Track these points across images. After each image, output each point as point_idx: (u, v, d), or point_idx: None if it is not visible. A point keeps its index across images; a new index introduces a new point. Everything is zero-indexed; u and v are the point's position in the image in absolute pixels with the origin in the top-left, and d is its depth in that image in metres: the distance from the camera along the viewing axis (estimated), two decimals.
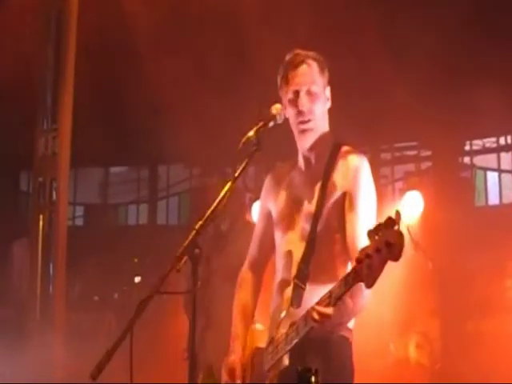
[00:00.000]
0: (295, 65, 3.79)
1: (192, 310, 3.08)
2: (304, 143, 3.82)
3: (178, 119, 10.86)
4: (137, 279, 11.93)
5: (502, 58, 9.04)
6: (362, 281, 3.03)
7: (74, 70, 8.52)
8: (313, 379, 2.89)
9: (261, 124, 3.59)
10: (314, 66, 3.78)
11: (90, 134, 10.75)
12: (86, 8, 8.92)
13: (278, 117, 3.66)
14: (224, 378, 3.79)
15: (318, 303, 3.29)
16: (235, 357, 3.78)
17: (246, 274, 4.05)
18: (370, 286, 2.99)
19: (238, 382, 3.73)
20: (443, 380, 8.76)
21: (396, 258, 2.88)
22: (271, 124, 3.63)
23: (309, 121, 3.73)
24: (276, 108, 3.69)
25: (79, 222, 14.08)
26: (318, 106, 3.75)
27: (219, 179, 12.27)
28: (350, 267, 3.63)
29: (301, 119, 3.73)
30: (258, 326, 3.82)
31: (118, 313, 10.45)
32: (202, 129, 10.13)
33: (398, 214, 2.89)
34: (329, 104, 3.83)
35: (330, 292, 3.25)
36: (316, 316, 3.25)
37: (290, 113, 3.76)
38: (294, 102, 3.75)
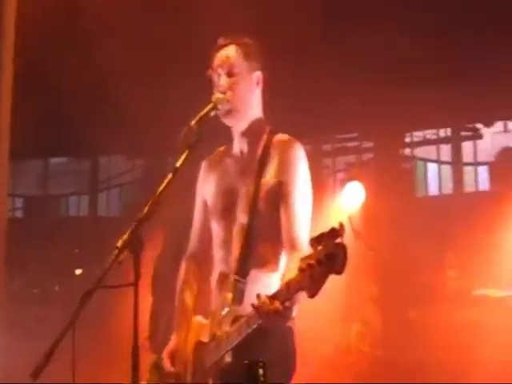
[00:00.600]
0: (220, 48, 3.81)
1: (134, 303, 3.04)
2: (232, 127, 3.82)
3: (120, 110, 10.77)
4: (78, 271, 11.83)
5: (442, 51, 9.14)
6: (303, 290, 2.99)
7: (13, 60, 8.36)
8: (261, 372, 2.87)
9: (202, 113, 3.57)
10: (238, 48, 3.78)
11: (29, 125, 10.61)
12: None
13: (219, 106, 3.65)
14: (166, 365, 3.77)
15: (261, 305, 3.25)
16: (177, 344, 3.77)
17: (187, 263, 4.02)
18: (312, 296, 2.95)
19: (180, 368, 3.72)
20: (383, 367, 8.87)
21: (339, 272, 2.85)
22: (213, 113, 3.61)
23: (228, 102, 3.69)
24: (217, 97, 3.68)
25: (19, 213, 13.92)
26: (238, 87, 3.73)
27: (162, 170, 12.31)
28: (283, 257, 3.64)
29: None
30: (200, 318, 3.80)
31: (59, 306, 10.35)
32: (144, 119, 10.07)
33: (341, 225, 2.86)
34: (258, 90, 3.82)
35: (275, 296, 3.19)
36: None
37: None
38: (216, 83, 3.76)
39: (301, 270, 2.98)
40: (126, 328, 3.13)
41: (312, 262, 2.91)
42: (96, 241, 10.55)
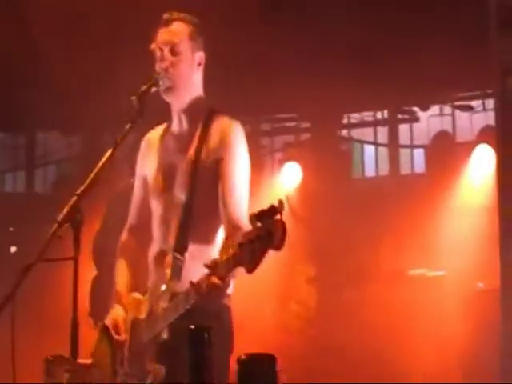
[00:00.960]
0: (165, 24, 3.83)
1: (74, 277, 3.05)
2: (172, 104, 3.85)
3: (57, 84, 10.64)
4: (12, 249, 11.69)
5: (380, 34, 9.21)
6: (242, 265, 3.04)
7: None
8: (206, 336, 2.89)
9: (143, 89, 3.58)
10: (184, 27, 3.82)
11: None
12: None
13: (160, 82, 3.66)
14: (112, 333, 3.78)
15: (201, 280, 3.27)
16: (117, 314, 3.77)
17: (126, 238, 4.02)
18: (250, 271, 3.00)
19: (123, 336, 3.73)
20: (318, 346, 8.98)
21: (278, 248, 2.91)
22: (154, 89, 3.64)
23: (169, 78, 3.72)
24: (158, 73, 3.69)
25: None
26: (181, 66, 3.76)
27: (98, 146, 12.22)
28: (221, 232, 3.67)
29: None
30: (137, 295, 3.81)
31: None
32: (81, 94, 9.97)
33: (281, 202, 2.92)
34: (199, 69, 3.85)
35: (212, 272, 3.22)
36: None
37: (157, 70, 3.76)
38: (159, 59, 3.78)
39: (240, 245, 3.03)
40: (67, 302, 3.15)
41: (252, 237, 2.96)
42: (32, 218, 10.44)
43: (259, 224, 2.94)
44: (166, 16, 3.85)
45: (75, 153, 13.37)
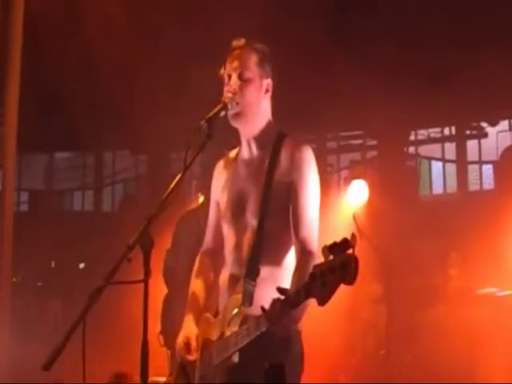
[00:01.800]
0: (234, 50, 3.83)
1: (144, 299, 3.07)
2: (240, 130, 3.83)
3: (124, 105, 10.80)
4: (81, 265, 11.89)
5: (447, 51, 9.16)
6: (313, 297, 3.02)
7: (20, 55, 8.41)
8: (280, 374, 2.88)
9: (212, 113, 3.59)
10: (253, 54, 3.80)
11: (35, 119, 10.64)
12: None
13: (229, 106, 3.66)
14: (180, 353, 3.79)
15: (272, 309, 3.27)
16: (191, 332, 3.78)
17: (202, 258, 4.04)
18: (322, 304, 2.98)
19: (195, 355, 3.74)
20: (387, 366, 8.88)
21: (350, 282, 2.88)
22: (222, 113, 3.62)
23: (237, 104, 3.70)
24: (227, 97, 3.70)
25: (24, 207, 13.95)
26: (249, 92, 3.74)
27: (165, 165, 12.36)
28: (292, 254, 3.67)
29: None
30: (209, 316, 3.82)
31: (63, 299, 10.41)
32: (148, 115, 10.10)
33: (353, 236, 2.91)
34: (267, 96, 3.83)
35: (285, 301, 3.20)
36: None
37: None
38: (228, 86, 3.77)
39: (312, 276, 3.02)
40: (138, 322, 3.17)
41: (324, 269, 2.96)
42: (100, 235, 10.59)
43: (331, 256, 2.94)
44: (234, 42, 3.85)
45: (142, 172, 13.55)
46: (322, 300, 2.97)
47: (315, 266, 3.03)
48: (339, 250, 2.90)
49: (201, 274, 3.99)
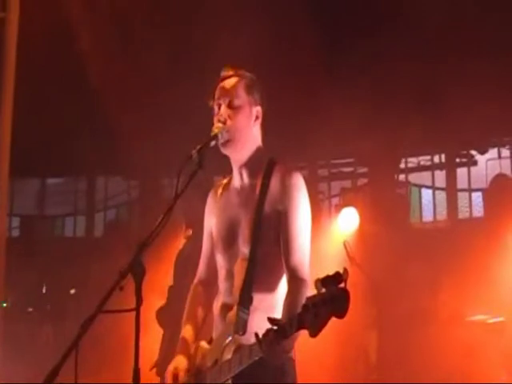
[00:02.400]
0: (222, 80, 3.87)
1: (136, 328, 3.09)
2: (231, 157, 3.85)
3: (116, 131, 10.84)
4: (72, 291, 11.87)
5: (437, 79, 9.24)
6: (305, 328, 3.07)
7: (13, 79, 8.43)
8: None
9: (202, 143, 3.63)
10: (241, 82, 3.84)
11: (27, 144, 10.66)
12: (28, 14, 8.86)
13: (219, 136, 3.69)
14: (167, 380, 3.80)
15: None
16: (180, 362, 3.80)
17: (196, 288, 4.06)
18: (314, 335, 3.03)
19: None
20: None
21: (341, 315, 2.95)
22: (213, 143, 3.65)
23: (227, 132, 3.73)
24: (217, 127, 3.72)
25: (15, 233, 13.93)
26: (239, 119, 3.77)
27: (157, 191, 12.38)
28: (284, 282, 3.70)
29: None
30: (203, 344, 3.84)
31: (54, 324, 10.39)
32: (140, 141, 10.14)
33: (346, 271, 2.97)
34: (257, 123, 3.85)
35: (278, 333, 3.23)
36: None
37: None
38: (217, 114, 3.81)
39: (305, 307, 3.07)
40: (130, 350, 3.20)
41: (316, 301, 3.00)
42: (92, 261, 10.59)
43: (324, 289, 2.99)
44: (223, 72, 3.90)
45: (134, 197, 13.57)
46: (314, 332, 3.03)
47: (308, 298, 3.07)
48: (331, 283, 2.96)
49: (193, 303, 4.01)
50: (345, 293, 2.94)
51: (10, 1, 8.28)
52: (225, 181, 4.02)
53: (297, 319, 3.12)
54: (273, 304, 3.65)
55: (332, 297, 2.95)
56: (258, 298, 3.66)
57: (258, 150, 3.88)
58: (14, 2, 8.32)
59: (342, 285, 2.95)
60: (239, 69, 3.90)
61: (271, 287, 3.72)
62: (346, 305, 2.93)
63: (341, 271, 2.97)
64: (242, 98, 3.80)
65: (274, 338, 3.23)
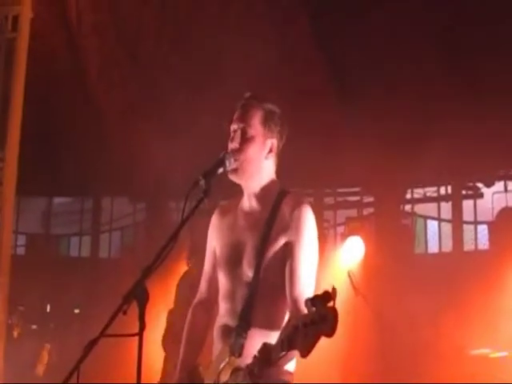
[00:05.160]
0: (241, 107, 3.83)
1: (138, 352, 3.10)
2: (241, 184, 3.83)
3: (124, 153, 10.88)
4: (76, 311, 11.88)
5: (445, 111, 9.27)
6: (296, 349, 3.08)
7: (22, 99, 8.49)
8: None
9: (209, 168, 3.59)
10: (259, 111, 3.78)
11: (34, 163, 10.71)
12: (36, 39, 8.94)
13: (227, 162, 3.66)
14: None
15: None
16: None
17: (196, 308, 4.05)
18: (304, 355, 3.03)
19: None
20: None
21: (329, 334, 2.94)
22: (220, 170, 3.63)
23: (235, 160, 3.69)
24: (224, 153, 3.69)
25: (21, 251, 13.95)
26: (249, 150, 3.73)
27: (163, 214, 12.39)
28: (287, 317, 3.70)
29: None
30: (202, 366, 3.84)
31: (57, 343, 10.39)
32: (148, 163, 10.16)
33: (334, 290, 2.98)
34: (270, 156, 3.80)
35: (268, 355, 3.27)
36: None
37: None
38: (230, 139, 3.78)
39: (294, 327, 3.08)
40: (132, 375, 3.20)
41: (306, 321, 3.01)
42: (96, 282, 10.60)
43: (314, 309, 3.00)
44: (244, 98, 3.85)
45: (140, 219, 13.58)
46: (304, 352, 3.03)
47: (298, 318, 3.10)
48: (320, 302, 2.97)
49: (190, 334, 3.99)
50: (333, 312, 2.94)
51: (20, 22, 8.39)
52: (231, 202, 3.98)
53: (287, 339, 3.13)
54: (273, 330, 3.65)
55: (321, 316, 2.96)
56: (261, 332, 3.65)
57: (270, 181, 3.84)
58: (25, 22, 8.43)
59: (331, 304, 2.96)
60: (263, 98, 3.85)
61: (274, 320, 3.72)
62: (334, 324, 2.94)
63: (329, 290, 2.98)
64: (256, 128, 3.77)
65: (262, 362, 3.24)
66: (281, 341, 3.19)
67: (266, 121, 3.79)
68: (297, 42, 9.87)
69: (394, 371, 9.24)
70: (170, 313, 7.99)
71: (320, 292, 3.02)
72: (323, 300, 2.96)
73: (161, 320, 8.11)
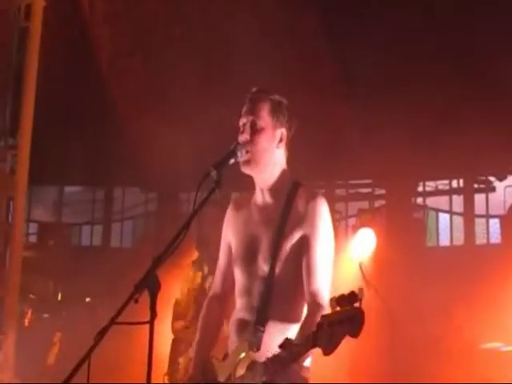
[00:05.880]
0: (249, 100, 3.88)
1: (149, 341, 3.11)
2: (253, 177, 3.87)
3: (136, 143, 10.90)
4: (87, 299, 11.90)
5: (458, 105, 9.25)
6: (319, 347, 3.11)
7: (34, 89, 8.51)
8: None
9: (221, 159, 3.62)
10: (266, 103, 3.83)
11: (47, 152, 10.74)
12: (49, 28, 8.95)
13: (238, 153, 3.70)
14: None
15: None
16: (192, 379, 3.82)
17: (211, 302, 4.06)
18: (328, 354, 3.07)
19: None
20: None
21: (355, 335, 3.00)
22: (232, 161, 3.66)
23: (247, 152, 3.73)
24: (236, 144, 3.73)
25: (32, 238, 14.00)
26: (260, 141, 3.77)
27: (174, 204, 12.42)
28: (305, 309, 3.71)
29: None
30: (216, 359, 3.85)
31: (68, 331, 10.43)
32: (160, 153, 10.18)
33: (361, 291, 3.03)
34: (281, 145, 3.84)
35: (291, 352, 3.28)
36: None
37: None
38: (240, 132, 3.82)
39: (320, 326, 3.10)
40: (143, 363, 3.21)
41: (332, 320, 3.04)
42: (107, 271, 10.64)
43: (338, 308, 3.02)
44: (253, 91, 3.90)
45: (151, 209, 13.62)
46: (328, 350, 3.06)
47: (323, 317, 3.11)
48: (347, 302, 3.00)
49: (205, 327, 4.01)
50: (360, 313, 2.98)
51: (33, 11, 8.41)
52: (245, 196, 4.01)
53: (312, 337, 3.15)
54: (292, 329, 3.66)
55: (348, 317, 2.99)
56: (278, 325, 3.66)
57: (283, 172, 3.88)
58: (38, 12, 8.44)
59: (357, 304, 2.98)
60: (268, 91, 3.90)
61: (291, 313, 3.72)
62: (360, 325, 2.98)
63: (356, 291, 3.01)
64: (265, 119, 3.80)
65: (285, 358, 3.25)
66: (305, 338, 3.21)
67: (275, 111, 3.83)
68: (307, 37, 9.86)
69: (405, 365, 9.23)
70: (177, 303, 8.02)
71: (333, 285, 3.05)
72: (350, 300, 3.00)
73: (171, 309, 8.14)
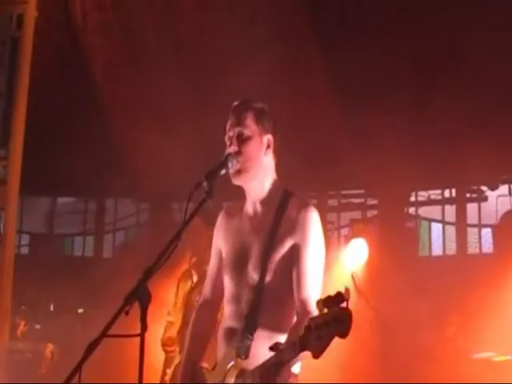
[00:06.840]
0: (232, 113, 3.91)
1: (140, 353, 3.09)
2: (244, 188, 3.89)
3: (128, 153, 10.88)
4: (80, 310, 11.87)
5: (449, 113, 9.26)
6: (308, 350, 3.10)
7: (26, 98, 8.50)
8: None
9: (212, 170, 3.64)
10: (249, 112, 3.86)
11: (39, 163, 10.70)
12: (41, 37, 8.94)
13: (229, 164, 3.72)
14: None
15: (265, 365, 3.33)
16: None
17: (201, 309, 4.07)
18: (317, 356, 3.06)
19: None
20: None
21: (343, 335, 2.97)
22: (223, 171, 3.69)
23: (237, 162, 3.75)
24: (227, 153, 3.76)
25: (24, 250, 13.95)
26: (248, 149, 3.80)
27: (166, 214, 12.40)
28: (295, 319, 3.70)
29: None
30: (206, 367, 3.85)
31: (60, 342, 10.39)
32: (151, 164, 10.17)
33: (347, 291, 3.00)
34: (269, 152, 3.88)
35: (279, 357, 3.29)
36: None
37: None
38: (228, 145, 3.85)
39: (307, 329, 3.09)
40: (133, 375, 3.19)
41: (319, 323, 3.02)
42: (100, 281, 10.61)
43: (325, 310, 3.00)
44: (235, 103, 3.92)
45: (143, 220, 13.59)
46: (317, 353, 3.05)
47: (310, 319, 3.11)
48: (333, 303, 2.97)
49: (196, 327, 4.01)
50: (347, 313, 2.96)
51: (25, 20, 8.40)
52: (236, 204, 4.03)
53: (299, 340, 3.15)
54: (280, 332, 3.65)
55: (335, 317, 2.97)
56: (267, 334, 3.66)
57: (272, 180, 3.90)
58: (30, 21, 8.44)
59: (344, 305, 2.97)
60: (249, 100, 3.93)
61: (281, 322, 3.72)
62: (348, 325, 2.95)
63: (342, 291, 3.00)
64: (251, 128, 3.83)
65: (274, 365, 3.24)
66: (293, 342, 3.20)
67: (259, 119, 3.86)
68: (299, 44, 9.86)
69: (397, 374, 9.22)
70: (169, 314, 8.00)
71: (325, 294, 3.04)
72: (336, 301, 2.98)
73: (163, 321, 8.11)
